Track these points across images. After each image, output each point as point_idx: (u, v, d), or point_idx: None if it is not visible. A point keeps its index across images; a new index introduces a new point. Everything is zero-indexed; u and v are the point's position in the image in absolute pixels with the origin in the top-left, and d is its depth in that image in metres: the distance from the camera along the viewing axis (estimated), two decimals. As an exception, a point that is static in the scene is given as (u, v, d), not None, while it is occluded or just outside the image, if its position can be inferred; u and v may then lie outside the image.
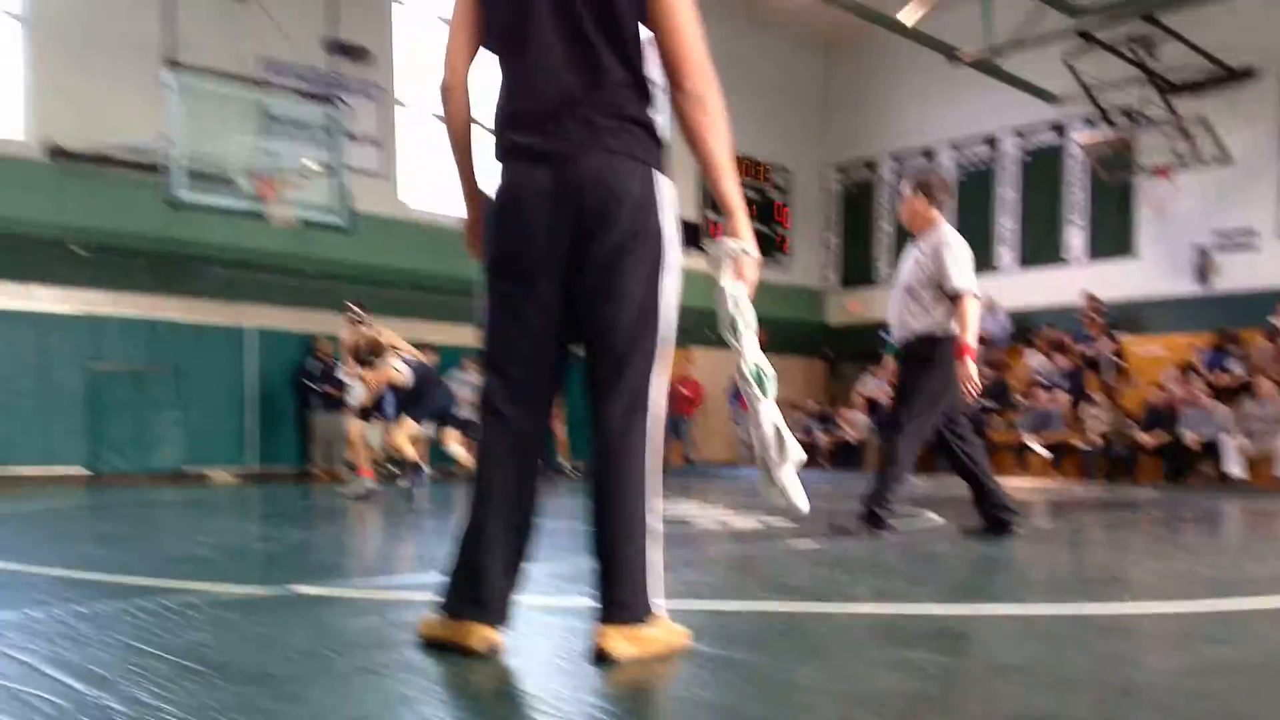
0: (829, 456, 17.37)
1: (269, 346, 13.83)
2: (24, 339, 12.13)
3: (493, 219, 2.53)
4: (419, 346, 10.16)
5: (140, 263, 12.87)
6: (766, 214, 20.16)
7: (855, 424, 17.32)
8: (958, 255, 5.57)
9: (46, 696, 2.16)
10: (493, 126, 2.56)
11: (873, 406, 17.70)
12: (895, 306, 5.83)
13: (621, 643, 2.45)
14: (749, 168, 19.73)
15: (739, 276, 2.56)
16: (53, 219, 12.26)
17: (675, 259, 2.54)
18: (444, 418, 9.98)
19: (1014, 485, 13.10)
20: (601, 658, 2.44)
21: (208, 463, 13.22)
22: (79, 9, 12.41)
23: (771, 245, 20.18)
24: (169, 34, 11.12)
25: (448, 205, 15.35)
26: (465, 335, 15.40)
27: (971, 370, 5.44)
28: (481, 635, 2.51)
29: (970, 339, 5.49)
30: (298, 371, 13.89)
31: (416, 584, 3.87)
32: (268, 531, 6.42)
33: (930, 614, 3.30)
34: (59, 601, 3.39)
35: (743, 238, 2.56)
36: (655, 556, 2.54)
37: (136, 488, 10.47)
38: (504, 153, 2.52)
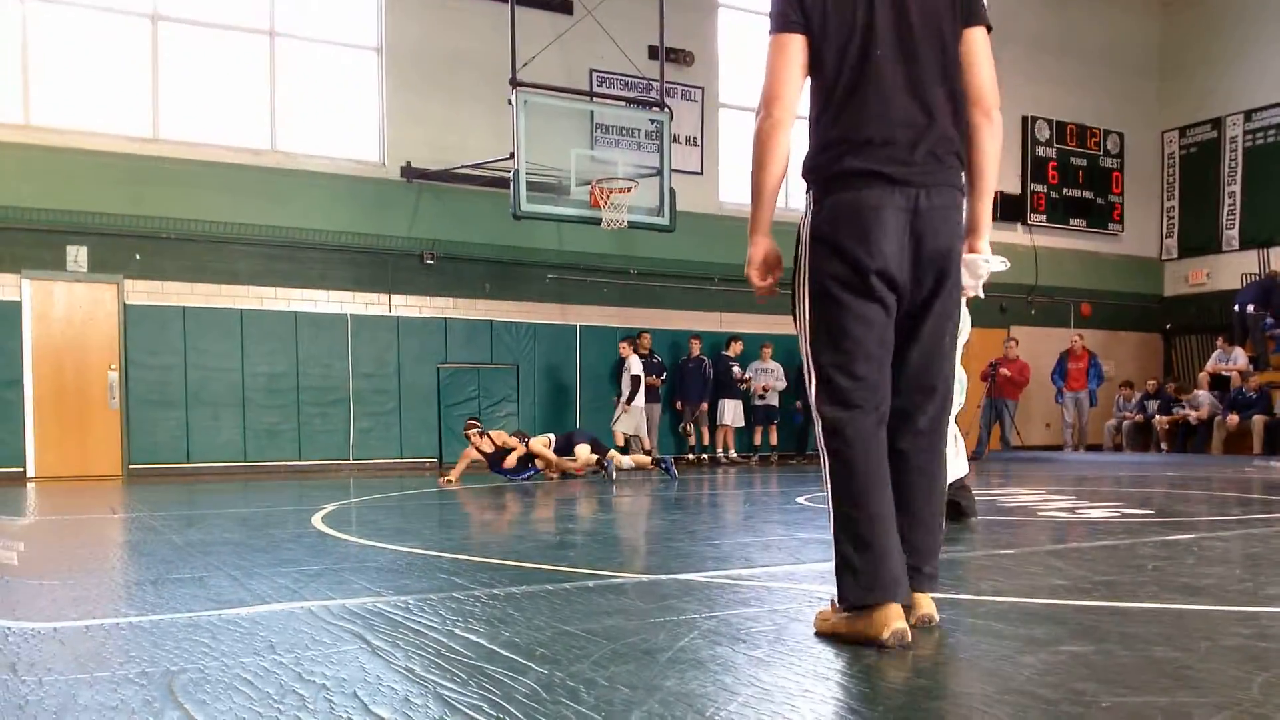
0: (1166, 438, 16.08)
1: (595, 341, 14.55)
2: (385, 342, 13.42)
3: (852, 231, 2.67)
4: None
5: (482, 269, 13.91)
6: (1099, 182, 19.00)
7: (1197, 402, 15.95)
8: None
9: (516, 677, 2.41)
10: (825, 150, 2.74)
11: (1216, 382, 16.28)
12: None
13: (933, 607, 2.87)
14: (1078, 134, 18.65)
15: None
16: (407, 233, 13.48)
17: None
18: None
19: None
20: (930, 622, 2.83)
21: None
22: (427, 38, 13.57)
23: (1105, 215, 19.02)
24: (510, 55, 11.94)
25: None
26: (769, 324, 15.50)
27: None
28: (914, 610, 2.79)
29: None
30: (619, 364, 14.50)
31: (766, 575, 3.98)
32: (614, 518, 6.77)
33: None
34: (475, 585, 3.75)
35: (986, 252, 2.87)
36: None
37: (479, 475, 11.25)
38: (850, 175, 2.68)
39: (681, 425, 15.00)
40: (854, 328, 2.68)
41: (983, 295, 2.89)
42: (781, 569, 4.19)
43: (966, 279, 2.83)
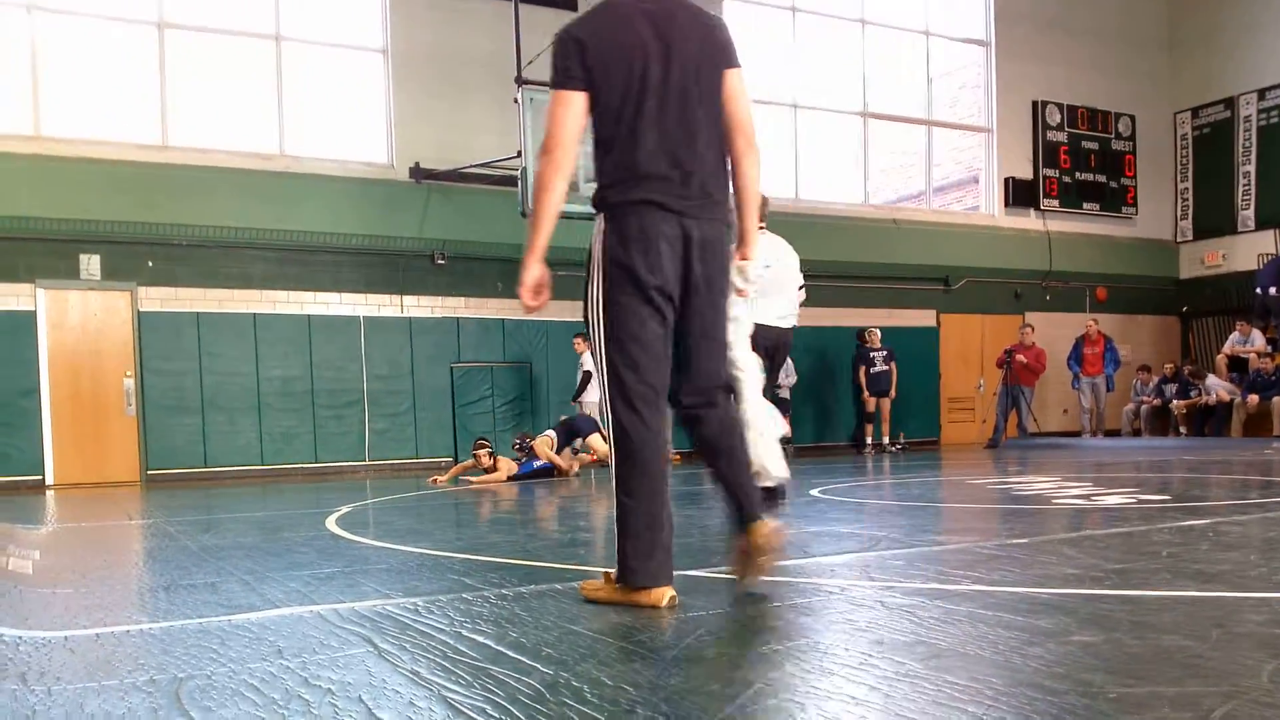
0: (1185, 421, 15.96)
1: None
2: (398, 343, 13.45)
3: (636, 252, 3.15)
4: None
5: (492, 268, 13.91)
6: (1111, 166, 18.85)
7: (1208, 387, 15.83)
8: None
9: (521, 678, 2.41)
10: (612, 181, 3.20)
11: (1234, 365, 16.17)
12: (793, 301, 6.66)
13: (773, 527, 3.30)
14: (1089, 117, 18.50)
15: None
16: (417, 234, 13.50)
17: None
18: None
19: None
20: (777, 541, 3.29)
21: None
22: (433, 38, 13.57)
23: (1118, 198, 18.87)
24: (516, 53, 11.94)
25: (774, 188, 15.64)
26: (829, 317, 15.47)
27: None
28: (756, 535, 3.27)
29: None
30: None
31: (775, 569, 3.97)
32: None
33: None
34: (484, 585, 3.75)
35: (755, 259, 3.43)
36: None
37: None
38: (633, 204, 3.16)
39: None
40: (640, 333, 3.17)
41: (752, 295, 3.53)
42: (791, 563, 4.17)
43: (740, 283, 3.40)
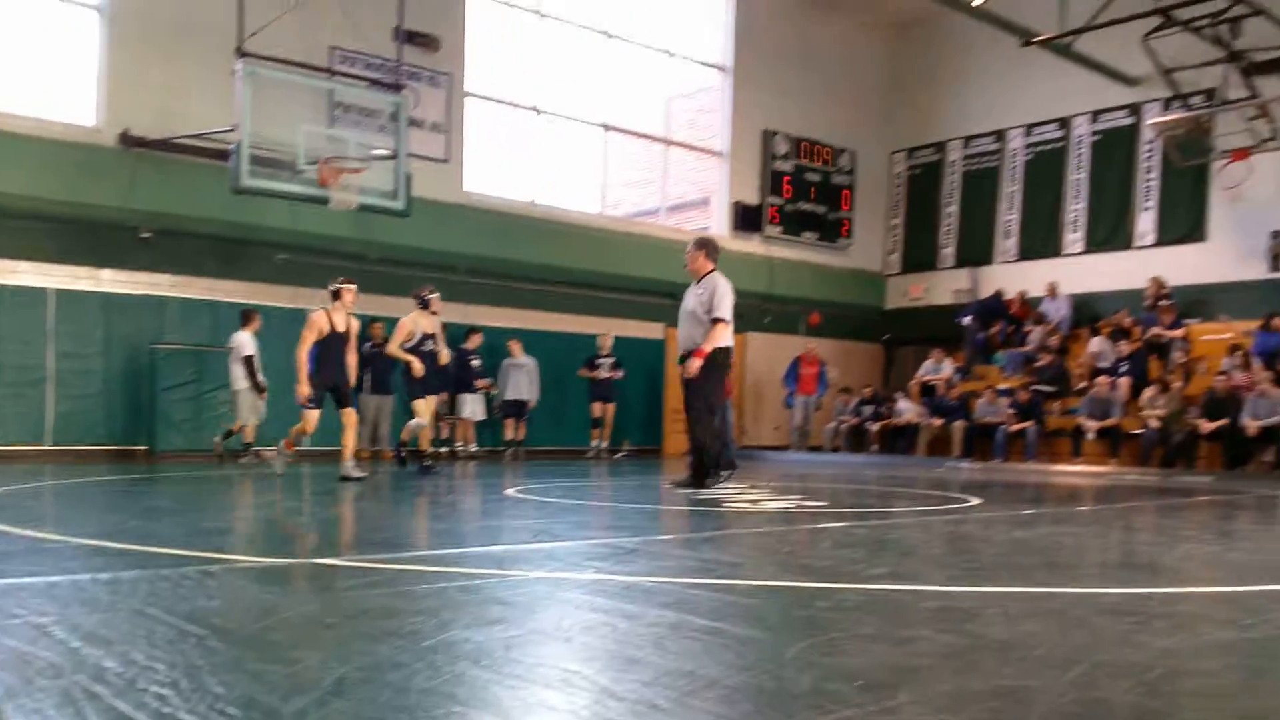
0: (879, 440, 17.09)
1: (328, 329, 14.04)
2: (91, 319, 12.48)
3: None
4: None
5: (205, 246, 13.16)
6: (829, 197, 19.89)
7: (899, 410, 17.09)
8: (723, 294, 7.74)
9: (47, 657, 2.24)
10: None
11: (925, 390, 17.48)
12: (685, 327, 7.95)
13: None
14: (813, 151, 19.51)
15: None
16: (122, 204, 12.60)
17: None
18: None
19: (1068, 470, 12.91)
20: None
21: (263, 442, 13.49)
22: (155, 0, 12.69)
23: (835, 229, 19.98)
24: (241, 24, 11.36)
25: (512, 191, 15.67)
26: (518, 318, 15.55)
27: (693, 365, 7.59)
28: None
29: (706, 346, 7.60)
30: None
31: (430, 557, 3.93)
32: (307, 507, 6.52)
33: (940, 593, 3.27)
34: (85, 571, 3.50)
35: None
36: None
37: (193, 464, 10.75)
38: None
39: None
40: None
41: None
42: (436, 552, 4.14)
43: None
